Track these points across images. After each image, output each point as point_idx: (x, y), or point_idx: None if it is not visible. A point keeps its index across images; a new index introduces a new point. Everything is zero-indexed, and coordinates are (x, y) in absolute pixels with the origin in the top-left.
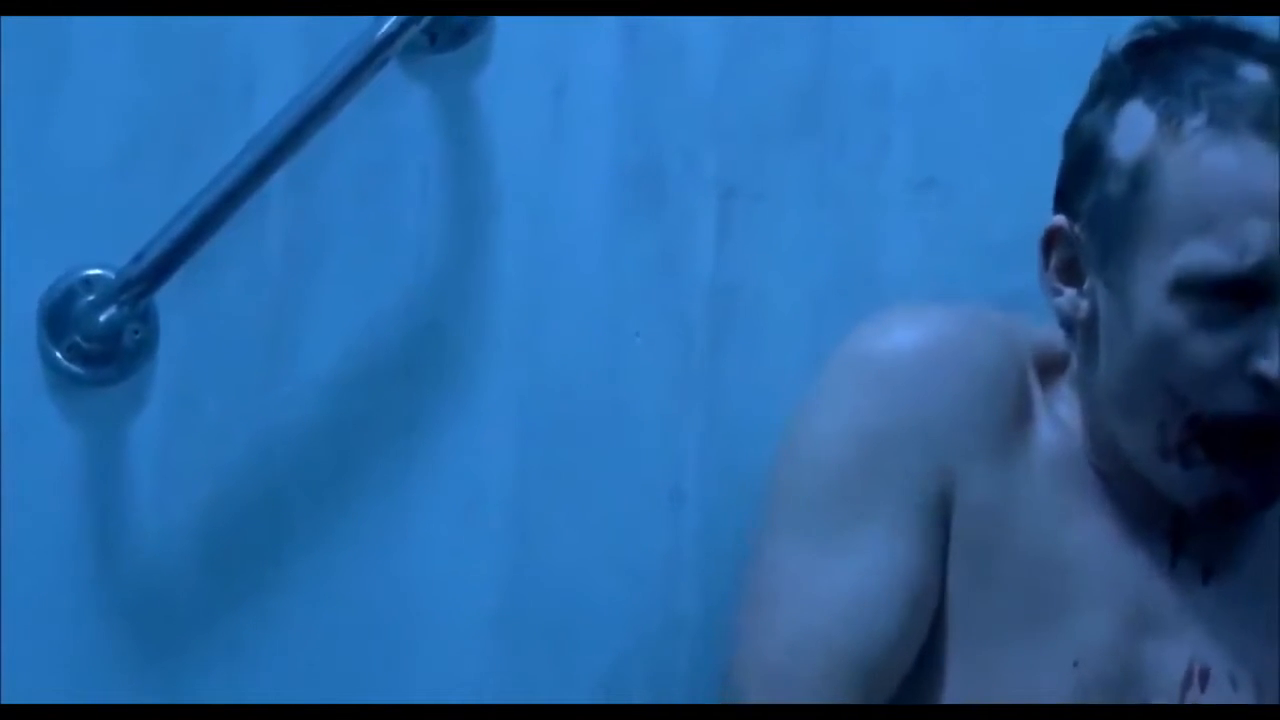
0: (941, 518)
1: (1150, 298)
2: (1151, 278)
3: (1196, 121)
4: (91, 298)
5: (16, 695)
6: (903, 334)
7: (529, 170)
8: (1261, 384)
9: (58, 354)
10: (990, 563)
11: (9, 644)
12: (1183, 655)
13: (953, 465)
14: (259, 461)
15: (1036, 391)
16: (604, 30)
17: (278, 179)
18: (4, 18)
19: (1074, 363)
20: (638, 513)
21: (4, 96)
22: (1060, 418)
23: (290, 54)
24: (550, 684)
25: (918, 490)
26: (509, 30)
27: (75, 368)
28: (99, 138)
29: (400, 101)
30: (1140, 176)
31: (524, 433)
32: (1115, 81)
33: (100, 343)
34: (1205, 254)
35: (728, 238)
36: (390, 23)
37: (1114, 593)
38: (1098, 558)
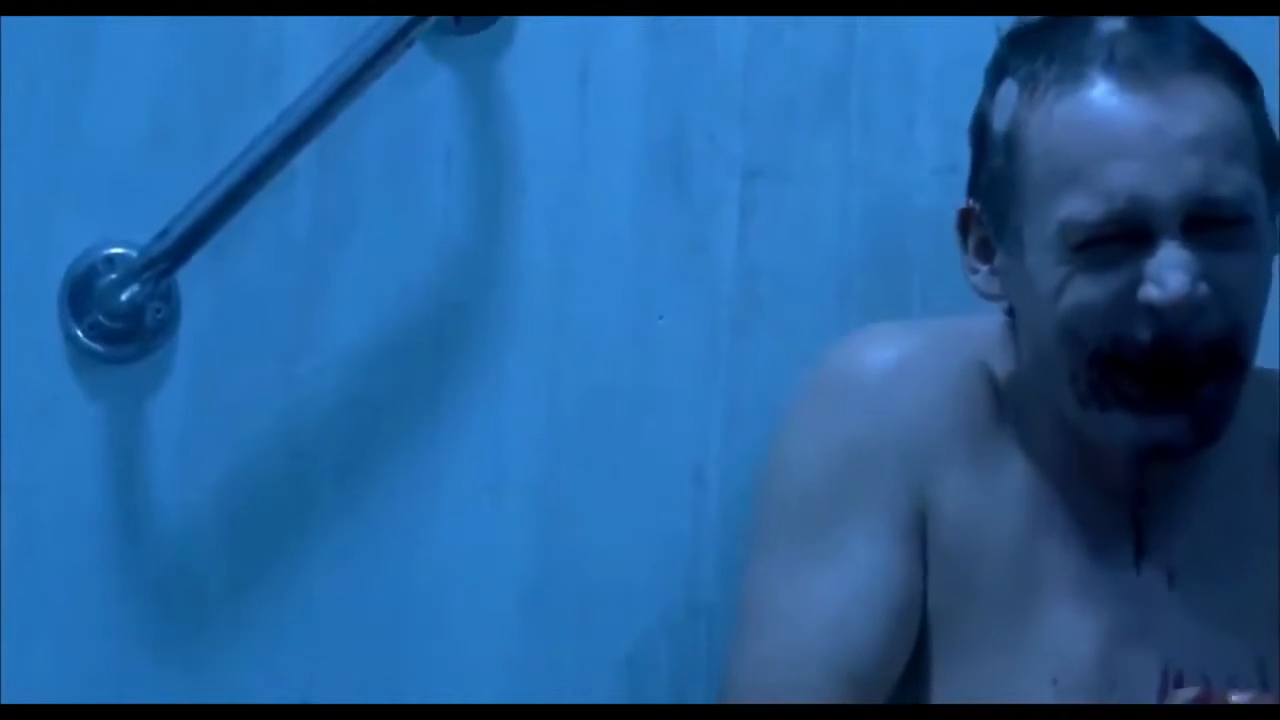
0: (919, 528)
1: (1041, 257)
2: (1038, 238)
3: (1049, 78)
4: (114, 276)
5: (38, 671)
6: (873, 352)
7: (554, 151)
8: (1152, 312)
9: (79, 332)
10: (969, 572)
11: (32, 620)
12: (1156, 661)
13: (928, 477)
14: (280, 440)
15: (1006, 399)
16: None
17: (303, 158)
18: None
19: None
20: (661, 494)
21: (33, 74)
22: (1026, 420)
23: (317, 34)
24: (574, 662)
25: (895, 501)
26: None
27: (96, 345)
28: (126, 116)
29: (425, 82)
30: (1010, 145)
31: (548, 413)
32: (996, 65)
33: (122, 321)
34: (1076, 206)
35: (752, 219)
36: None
37: (1086, 603)
38: (1069, 567)
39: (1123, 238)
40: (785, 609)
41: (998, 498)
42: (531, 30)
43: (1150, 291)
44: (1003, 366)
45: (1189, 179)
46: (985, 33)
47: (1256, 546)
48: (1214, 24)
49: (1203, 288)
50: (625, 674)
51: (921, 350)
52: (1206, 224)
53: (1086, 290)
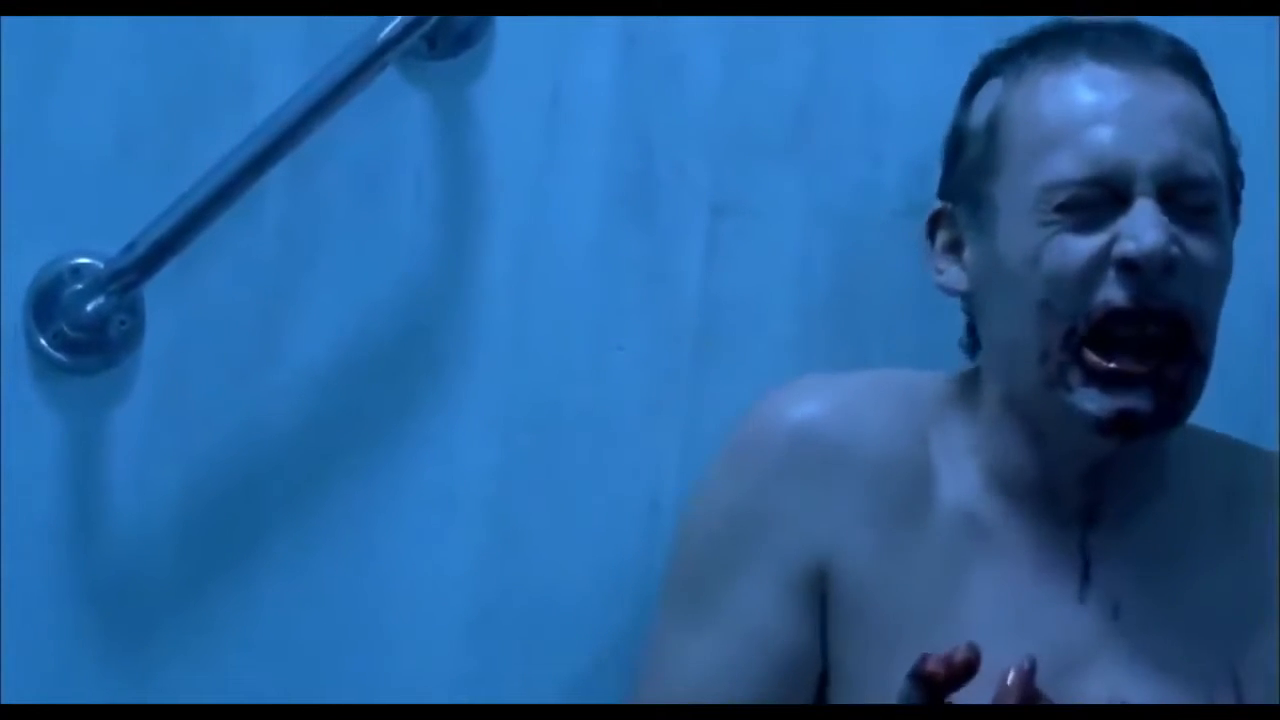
0: (814, 592)
1: (1017, 225)
2: (1017, 206)
3: (1035, 64)
4: (79, 286)
5: None
6: (795, 409)
7: (522, 178)
8: (1127, 268)
9: (43, 341)
10: (880, 629)
11: None
12: (1103, 691)
13: (828, 542)
14: (239, 455)
15: (938, 450)
16: (602, 42)
17: (273, 176)
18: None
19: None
20: (614, 522)
21: (1, 84)
22: (962, 466)
23: (289, 50)
24: (520, 685)
25: (787, 562)
26: (508, 39)
27: (60, 355)
28: (96, 128)
29: (397, 105)
30: (992, 127)
31: (505, 437)
32: (975, 76)
33: (86, 332)
34: (1058, 167)
35: (717, 252)
36: (392, 26)
37: (1024, 636)
38: (1005, 603)
39: (1098, 200)
40: (666, 666)
41: (918, 550)
42: (505, 57)
43: (1127, 246)
44: (939, 406)
45: (1167, 151)
46: (953, 73)
47: (1201, 585)
48: (1214, 24)
49: (1175, 248)
50: (571, 699)
51: (848, 403)
52: (1179, 200)
53: (1064, 252)
